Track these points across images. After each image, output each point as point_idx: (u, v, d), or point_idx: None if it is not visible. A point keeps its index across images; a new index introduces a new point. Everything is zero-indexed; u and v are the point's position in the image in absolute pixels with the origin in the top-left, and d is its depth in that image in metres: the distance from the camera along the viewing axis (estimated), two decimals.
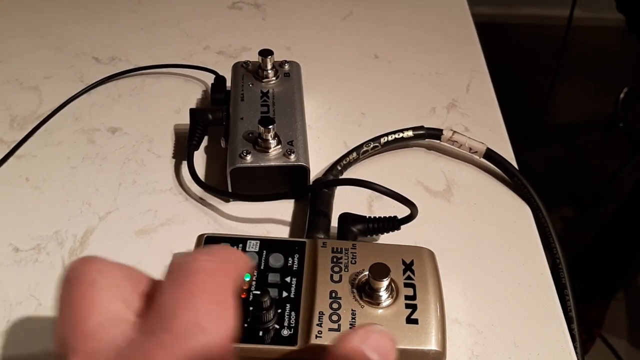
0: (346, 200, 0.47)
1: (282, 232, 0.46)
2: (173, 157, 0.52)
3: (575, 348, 0.40)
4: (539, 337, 0.40)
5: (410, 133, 0.51)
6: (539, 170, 1.72)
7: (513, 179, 0.49)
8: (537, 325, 0.40)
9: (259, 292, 0.35)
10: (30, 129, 0.54)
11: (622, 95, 1.71)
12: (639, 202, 1.29)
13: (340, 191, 0.48)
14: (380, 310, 0.35)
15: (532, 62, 1.93)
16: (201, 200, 0.48)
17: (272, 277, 0.37)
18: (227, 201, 0.48)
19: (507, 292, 0.42)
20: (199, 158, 0.52)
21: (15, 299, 0.41)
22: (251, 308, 0.35)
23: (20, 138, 0.53)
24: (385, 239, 0.44)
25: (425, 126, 0.52)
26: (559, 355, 0.39)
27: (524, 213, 0.48)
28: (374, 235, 0.44)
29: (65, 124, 0.55)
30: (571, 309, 0.44)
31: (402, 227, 0.43)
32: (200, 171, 0.50)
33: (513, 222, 0.47)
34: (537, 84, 1.66)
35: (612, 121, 1.71)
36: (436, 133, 0.51)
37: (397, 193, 0.40)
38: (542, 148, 1.76)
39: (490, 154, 0.50)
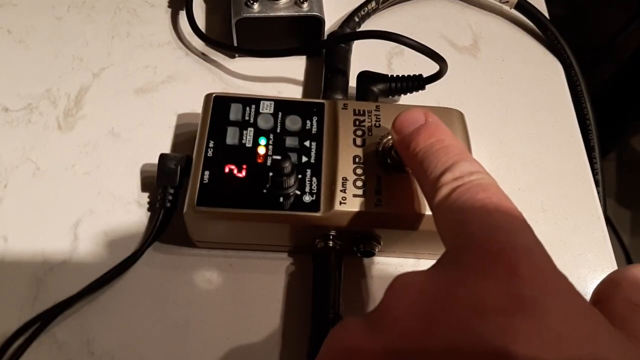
0: (362, 58, 0.43)
1: (294, 92, 0.42)
2: (169, 7, 0.47)
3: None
4: (567, 201, 0.38)
5: None
6: None
7: (546, 32, 0.45)
8: (566, 189, 0.39)
9: (279, 157, 0.32)
10: None
11: None
12: None
13: (355, 47, 0.43)
14: (407, 175, 0.33)
15: None
16: (204, 56, 0.44)
17: (290, 141, 0.34)
18: (233, 57, 0.44)
19: (536, 155, 0.40)
20: (198, 7, 0.47)
21: (10, 163, 0.38)
22: (270, 173, 0.32)
23: None
24: (407, 99, 0.41)
25: None
26: (587, 219, 0.37)
27: (555, 70, 0.44)
28: (396, 96, 0.40)
29: None
30: (598, 171, 0.42)
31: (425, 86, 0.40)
32: (201, 22, 0.45)
33: (544, 79, 0.44)
34: None
35: None
36: None
37: (426, 47, 0.36)
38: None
39: (521, 4, 0.45)
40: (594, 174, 0.41)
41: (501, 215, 0.24)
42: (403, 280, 0.23)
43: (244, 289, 0.34)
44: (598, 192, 0.40)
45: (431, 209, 0.27)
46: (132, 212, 0.36)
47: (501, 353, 0.19)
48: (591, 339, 0.19)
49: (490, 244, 0.22)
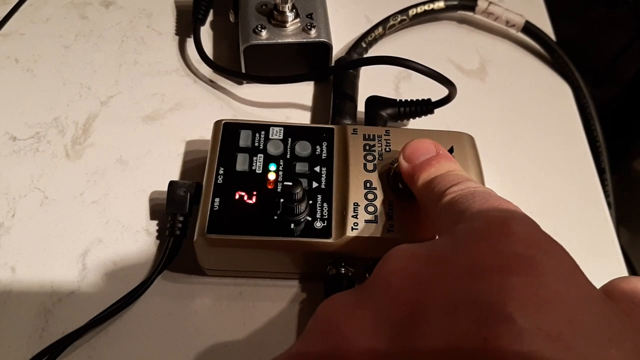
0: (370, 82, 0.43)
1: (303, 118, 0.42)
2: (176, 34, 0.47)
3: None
4: (580, 223, 0.38)
5: (441, 4, 0.46)
6: None
7: (553, 55, 0.45)
8: (578, 212, 0.38)
9: (290, 183, 0.32)
10: (13, 3, 0.48)
11: None
12: None
13: (362, 72, 0.43)
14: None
15: None
16: (211, 83, 0.44)
17: (300, 167, 0.34)
18: (241, 83, 0.44)
19: (547, 178, 0.40)
20: (205, 35, 0.47)
21: (18, 192, 0.38)
22: (281, 200, 0.32)
23: (4, 14, 0.47)
24: (416, 123, 0.40)
25: None
26: (602, 243, 0.37)
27: (564, 93, 0.44)
28: (404, 120, 0.40)
29: None
30: (609, 194, 0.42)
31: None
32: (208, 49, 0.46)
33: (552, 102, 0.44)
34: None
35: None
36: (470, 4, 0.46)
37: (435, 71, 0.36)
38: None
39: (528, 28, 0.46)
40: (606, 196, 0.41)
41: (499, 204, 0.24)
42: (395, 250, 0.23)
43: (254, 318, 0.33)
44: (610, 215, 0.40)
45: (434, 216, 0.27)
46: (140, 241, 0.36)
47: (498, 312, 0.18)
48: (589, 298, 0.19)
49: (485, 213, 0.23)
